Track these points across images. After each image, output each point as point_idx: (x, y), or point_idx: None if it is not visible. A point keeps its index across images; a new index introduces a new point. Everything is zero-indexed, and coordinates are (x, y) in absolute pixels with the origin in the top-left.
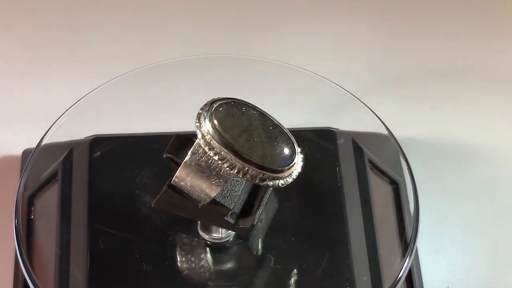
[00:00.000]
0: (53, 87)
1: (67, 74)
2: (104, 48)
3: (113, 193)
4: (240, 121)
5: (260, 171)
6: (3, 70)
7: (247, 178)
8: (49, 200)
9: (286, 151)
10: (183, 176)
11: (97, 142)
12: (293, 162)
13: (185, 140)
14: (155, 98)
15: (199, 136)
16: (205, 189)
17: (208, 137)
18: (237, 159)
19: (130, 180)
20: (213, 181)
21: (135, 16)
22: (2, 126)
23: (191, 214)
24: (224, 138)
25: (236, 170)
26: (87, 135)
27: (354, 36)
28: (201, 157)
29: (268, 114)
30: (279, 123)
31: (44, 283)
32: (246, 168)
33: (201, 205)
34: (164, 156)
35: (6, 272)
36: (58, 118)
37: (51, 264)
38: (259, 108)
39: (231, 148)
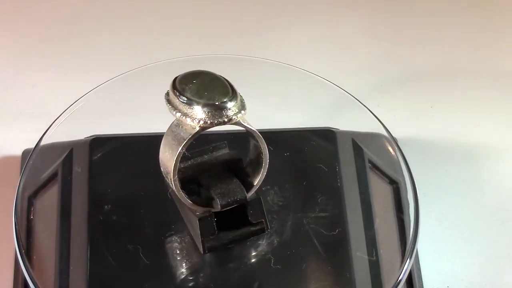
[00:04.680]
0: (53, 87)
1: (67, 74)
2: (104, 48)
3: (113, 193)
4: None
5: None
6: (3, 70)
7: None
8: (49, 200)
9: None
10: None
11: (97, 142)
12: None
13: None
14: (155, 98)
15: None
16: None
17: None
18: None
19: (130, 180)
20: None
21: (135, 16)
22: (2, 126)
23: None
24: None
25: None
26: (87, 135)
27: (354, 37)
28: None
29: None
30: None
31: (44, 283)
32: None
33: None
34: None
35: (6, 272)
36: (58, 118)
37: (51, 264)
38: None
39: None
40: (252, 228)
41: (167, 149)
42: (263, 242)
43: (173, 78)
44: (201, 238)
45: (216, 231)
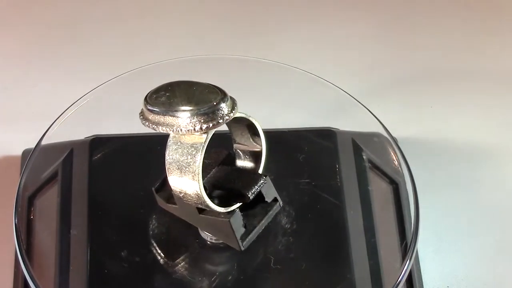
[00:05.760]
0: (53, 87)
1: (67, 74)
2: (104, 48)
3: (113, 193)
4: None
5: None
6: (3, 70)
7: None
8: (49, 200)
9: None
10: None
11: (97, 142)
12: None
13: None
14: None
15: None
16: None
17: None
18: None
19: (130, 180)
20: None
21: (135, 16)
22: (2, 126)
23: None
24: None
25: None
26: (87, 135)
27: (354, 37)
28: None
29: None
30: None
31: (44, 283)
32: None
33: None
34: None
35: (6, 272)
36: (58, 118)
37: (51, 264)
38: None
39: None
40: (269, 208)
41: (179, 167)
42: (263, 240)
43: (143, 100)
44: (236, 237)
45: (246, 225)
